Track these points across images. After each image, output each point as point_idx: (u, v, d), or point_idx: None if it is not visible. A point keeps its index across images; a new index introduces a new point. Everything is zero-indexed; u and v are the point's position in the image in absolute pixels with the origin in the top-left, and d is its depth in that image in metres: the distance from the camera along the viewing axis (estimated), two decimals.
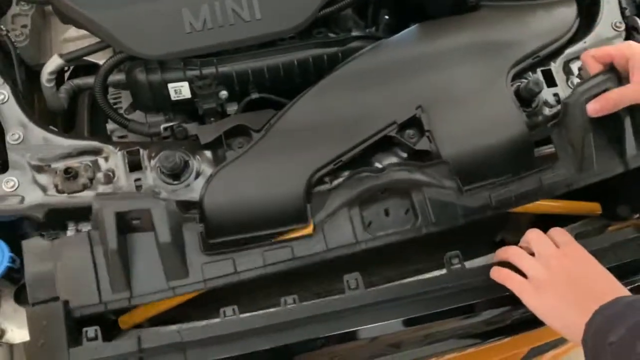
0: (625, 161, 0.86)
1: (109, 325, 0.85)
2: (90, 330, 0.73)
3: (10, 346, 0.78)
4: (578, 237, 0.80)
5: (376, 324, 0.76)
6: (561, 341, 1.34)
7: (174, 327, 0.85)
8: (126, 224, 0.78)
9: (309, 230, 0.83)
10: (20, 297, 0.83)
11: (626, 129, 0.85)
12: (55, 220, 0.82)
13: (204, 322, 0.83)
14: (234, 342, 0.74)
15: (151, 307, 0.83)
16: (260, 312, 0.76)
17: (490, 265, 0.78)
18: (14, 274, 0.82)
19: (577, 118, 0.83)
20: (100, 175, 0.84)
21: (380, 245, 0.81)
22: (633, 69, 0.77)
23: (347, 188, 0.83)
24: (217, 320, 0.75)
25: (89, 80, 0.98)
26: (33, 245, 0.78)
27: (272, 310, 0.76)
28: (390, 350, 0.92)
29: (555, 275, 0.72)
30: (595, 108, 0.80)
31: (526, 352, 1.30)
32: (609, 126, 0.85)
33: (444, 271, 0.79)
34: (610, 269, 0.74)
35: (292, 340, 0.74)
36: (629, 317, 0.63)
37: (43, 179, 0.83)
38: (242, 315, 0.75)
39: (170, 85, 0.90)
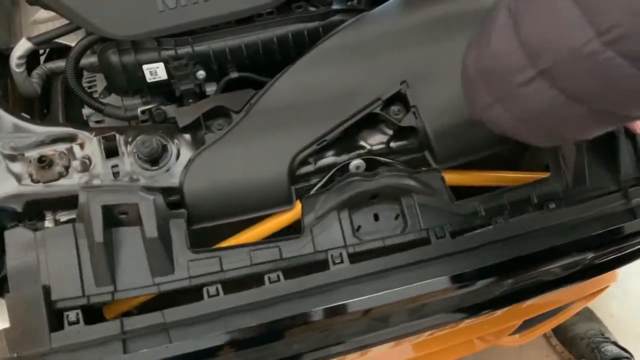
0: (619, 180, 0.87)
1: (94, 314, 0.83)
2: (72, 314, 0.72)
3: None
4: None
5: (362, 297, 0.75)
6: (553, 313, 1.35)
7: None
8: (112, 218, 0.76)
9: (294, 212, 0.81)
10: (1, 289, 0.81)
11: (621, 146, 0.86)
12: (31, 210, 0.80)
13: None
14: (218, 320, 0.73)
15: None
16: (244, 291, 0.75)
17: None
18: None
19: None
20: (76, 162, 0.81)
21: (368, 249, 0.80)
22: None
23: (338, 192, 0.81)
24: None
25: (62, 64, 0.94)
26: (16, 235, 0.75)
27: (255, 289, 0.75)
28: (380, 325, 0.92)
29: None
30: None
31: (520, 324, 1.30)
32: (603, 141, 0.85)
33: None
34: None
35: (276, 317, 0.73)
36: None
37: (17, 168, 0.79)
38: (225, 295, 0.74)
39: (145, 67, 0.87)
